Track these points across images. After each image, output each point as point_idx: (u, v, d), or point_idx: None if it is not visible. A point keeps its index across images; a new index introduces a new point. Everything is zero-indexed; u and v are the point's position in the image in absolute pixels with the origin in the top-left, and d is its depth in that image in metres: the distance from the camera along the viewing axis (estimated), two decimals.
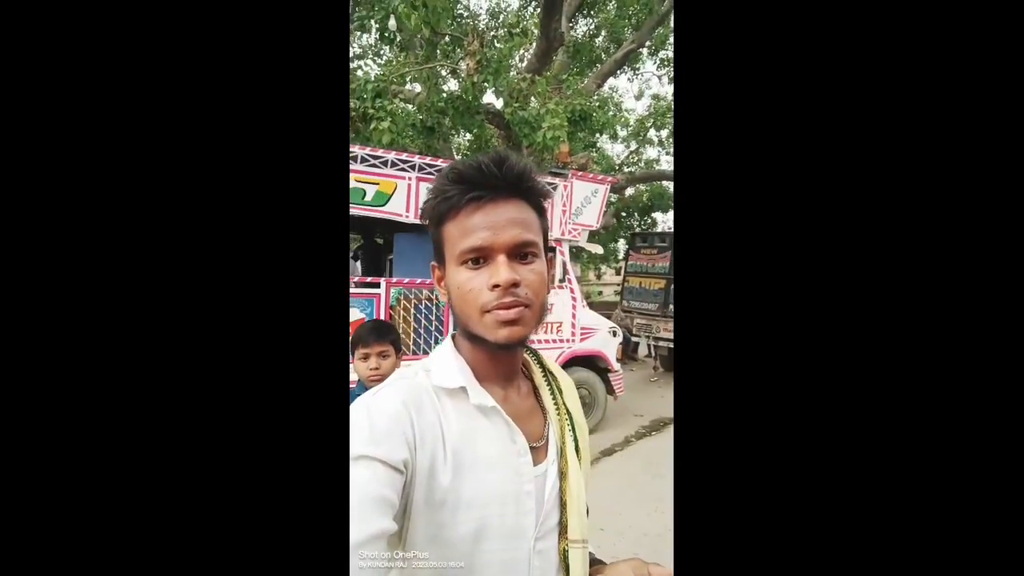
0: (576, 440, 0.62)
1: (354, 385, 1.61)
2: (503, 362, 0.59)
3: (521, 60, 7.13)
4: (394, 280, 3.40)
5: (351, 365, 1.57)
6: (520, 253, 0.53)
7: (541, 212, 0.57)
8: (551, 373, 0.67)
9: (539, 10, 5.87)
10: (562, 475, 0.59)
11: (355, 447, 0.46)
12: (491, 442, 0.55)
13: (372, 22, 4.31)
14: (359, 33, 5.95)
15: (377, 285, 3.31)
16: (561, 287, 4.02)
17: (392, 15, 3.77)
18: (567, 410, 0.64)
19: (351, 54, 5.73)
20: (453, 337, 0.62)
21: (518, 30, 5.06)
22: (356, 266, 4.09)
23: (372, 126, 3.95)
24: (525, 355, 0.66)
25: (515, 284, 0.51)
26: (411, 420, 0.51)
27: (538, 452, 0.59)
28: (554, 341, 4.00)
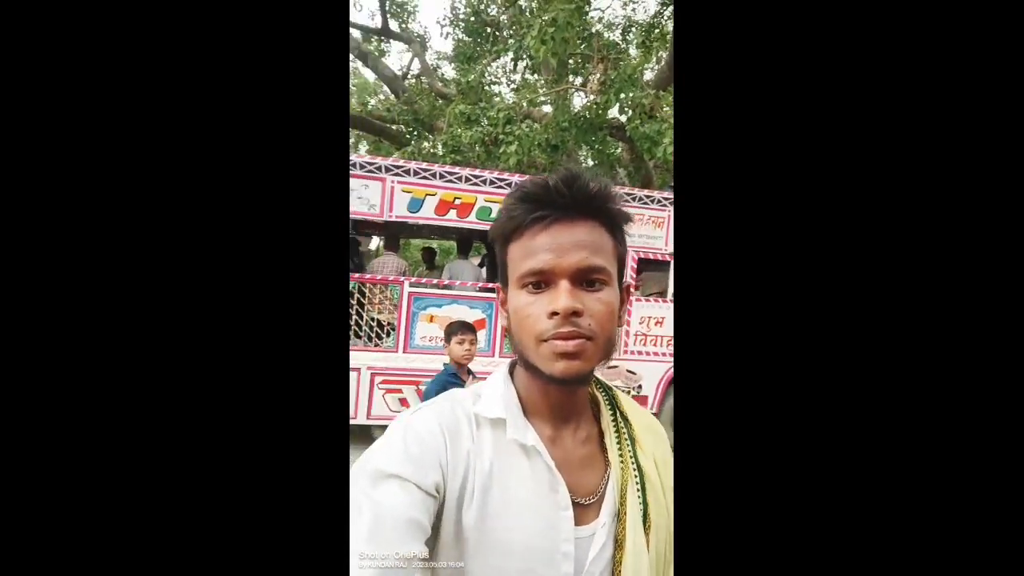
0: (645, 505, 0.53)
1: (440, 371, 2.19)
2: (558, 398, 0.53)
3: (659, 62, 7.05)
4: None
5: (446, 348, 2.16)
6: (586, 279, 0.48)
7: (617, 236, 0.52)
8: (625, 417, 0.57)
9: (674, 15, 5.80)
10: (617, 544, 0.51)
11: (388, 465, 0.46)
12: (527, 486, 0.50)
13: (508, 53, 4.81)
14: (497, 60, 6.58)
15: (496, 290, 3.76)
16: (668, 301, 4.03)
17: (524, 54, 4.19)
18: (637, 465, 0.54)
19: (486, 79, 6.38)
20: (511, 364, 0.57)
21: (654, 35, 5.01)
22: (482, 272, 4.63)
23: (501, 150, 4.45)
24: (596, 392, 0.58)
25: (576, 313, 0.46)
26: (445, 445, 0.49)
27: (587, 510, 0.51)
28: (663, 355, 4.02)
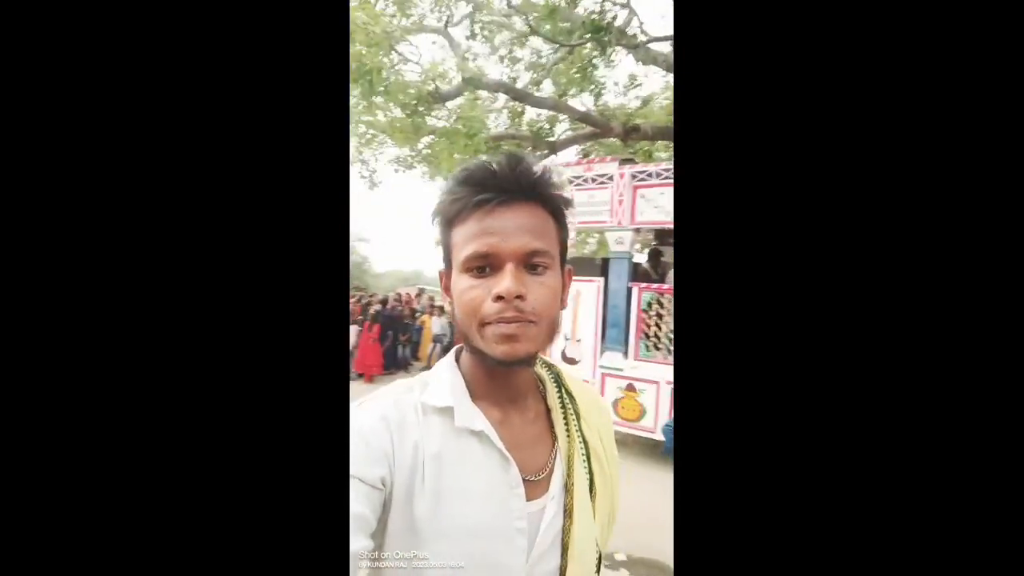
0: (591, 474, 0.55)
1: None
2: (505, 380, 0.53)
3: None
4: None
5: None
6: (530, 263, 0.48)
7: (560, 220, 0.51)
8: (570, 394, 0.59)
9: None
10: (567, 513, 0.52)
11: None
12: (479, 470, 0.50)
13: None
14: None
15: None
16: None
17: None
18: (583, 439, 0.56)
19: None
20: (458, 351, 0.56)
21: None
22: None
23: None
24: (541, 371, 0.59)
25: (520, 296, 0.46)
26: (390, 437, 0.48)
27: (538, 485, 0.52)
28: None
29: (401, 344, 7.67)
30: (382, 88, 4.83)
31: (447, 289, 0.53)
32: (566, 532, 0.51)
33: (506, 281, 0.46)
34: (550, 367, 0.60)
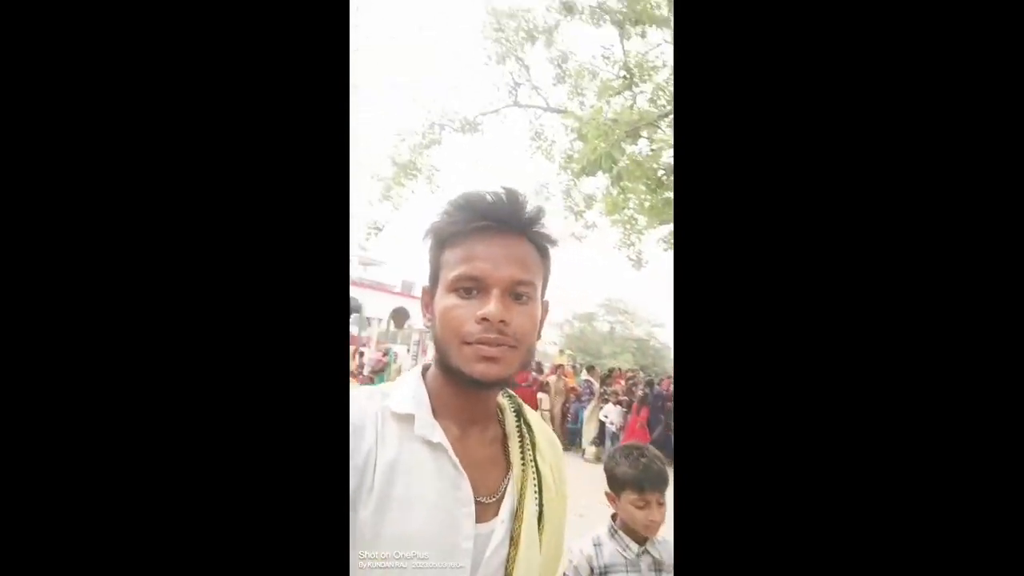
0: (541, 506, 0.56)
1: None
2: (470, 401, 0.55)
3: None
4: None
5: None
6: (515, 292, 0.51)
7: (544, 256, 0.56)
8: (527, 424, 0.60)
9: None
10: (513, 541, 0.52)
11: None
12: (431, 482, 0.50)
13: None
14: None
15: None
16: None
17: None
18: (536, 469, 0.57)
19: None
20: (424, 367, 0.59)
21: None
22: None
23: None
24: (501, 399, 0.60)
25: (503, 321, 0.49)
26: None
27: (488, 508, 0.53)
28: None
29: (673, 429, 6.97)
30: (626, 174, 5.12)
31: (427, 306, 0.56)
32: (511, 560, 0.51)
33: (492, 305, 0.49)
34: (511, 396, 0.62)
